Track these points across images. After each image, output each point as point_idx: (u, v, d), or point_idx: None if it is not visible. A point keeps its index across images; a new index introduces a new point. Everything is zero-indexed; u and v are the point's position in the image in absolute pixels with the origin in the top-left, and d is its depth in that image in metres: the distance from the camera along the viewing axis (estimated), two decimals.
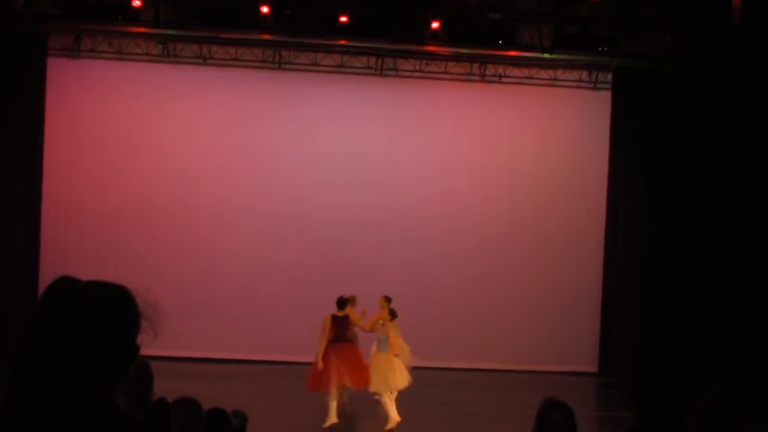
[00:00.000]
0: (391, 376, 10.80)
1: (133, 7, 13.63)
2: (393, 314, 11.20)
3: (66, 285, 1.84)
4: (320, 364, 10.73)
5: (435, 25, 14.03)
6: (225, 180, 15.93)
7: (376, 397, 11.12)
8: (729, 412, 3.29)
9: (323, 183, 15.99)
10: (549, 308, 16.14)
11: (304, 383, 11.12)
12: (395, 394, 10.94)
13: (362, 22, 13.91)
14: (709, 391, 12.18)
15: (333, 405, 10.73)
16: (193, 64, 15.92)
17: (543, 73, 16.27)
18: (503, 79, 16.36)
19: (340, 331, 10.96)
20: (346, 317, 11.03)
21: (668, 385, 3.17)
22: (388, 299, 11.49)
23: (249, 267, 15.76)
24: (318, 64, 16.06)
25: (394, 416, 10.72)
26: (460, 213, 16.21)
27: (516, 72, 16.26)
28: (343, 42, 14.74)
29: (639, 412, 3.19)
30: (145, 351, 1.89)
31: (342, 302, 11.06)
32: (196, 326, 15.00)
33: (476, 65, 16.21)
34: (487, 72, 16.29)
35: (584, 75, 16.46)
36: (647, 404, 3.15)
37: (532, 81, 16.36)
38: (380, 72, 16.17)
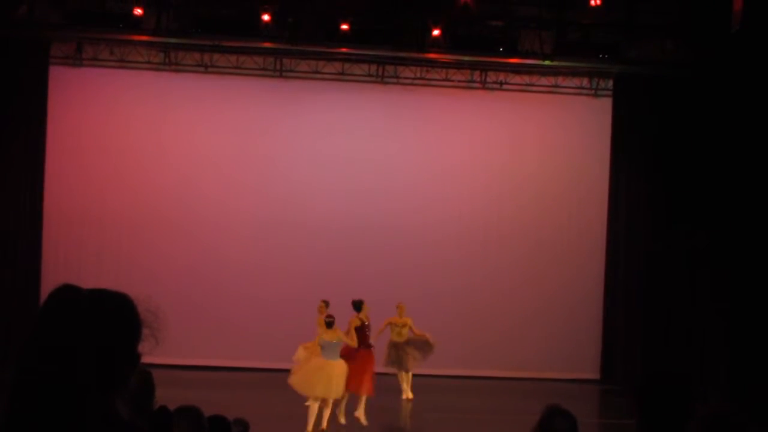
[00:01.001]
0: (329, 383, 10.72)
1: (135, 15, 13.66)
2: (328, 324, 10.96)
3: (67, 293, 1.84)
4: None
5: (436, 32, 14.04)
6: (226, 187, 15.95)
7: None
8: (731, 418, 3.29)
9: (324, 190, 16.00)
10: (551, 315, 16.12)
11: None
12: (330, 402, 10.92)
13: (363, 30, 13.93)
14: (711, 397, 12.16)
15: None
16: (194, 72, 15.95)
17: (544, 80, 16.29)
18: (504, 86, 16.37)
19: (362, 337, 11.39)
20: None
21: (670, 392, 3.17)
22: (325, 303, 11.56)
23: (251, 275, 15.76)
24: (319, 72, 16.09)
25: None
26: (461, 220, 16.21)
27: (517, 79, 16.28)
28: (344, 50, 14.75)
29: (641, 419, 3.19)
30: (146, 359, 1.89)
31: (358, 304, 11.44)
32: (198, 334, 14.99)
33: (477, 72, 16.23)
34: (488, 79, 16.31)
35: (585, 82, 16.48)
36: (649, 411, 3.15)
37: (533, 88, 16.38)
38: (381, 79, 16.19)
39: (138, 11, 13.62)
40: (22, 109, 14.93)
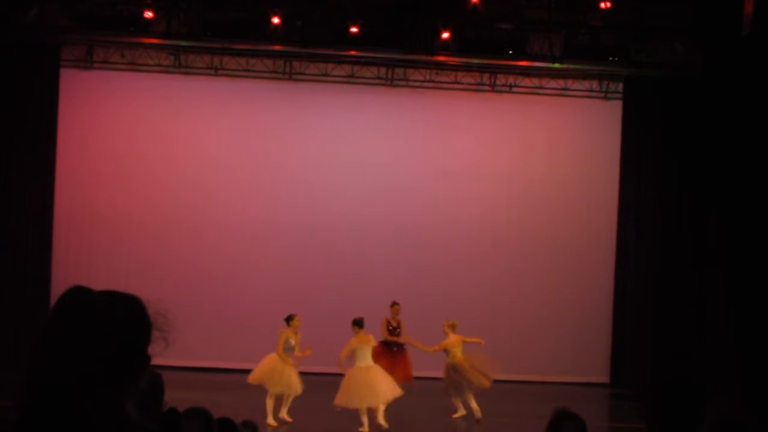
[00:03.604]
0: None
1: (145, 18, 13.71)
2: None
3: (78, 295, 1.84)
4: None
5: (445, 35, 14.04)
6: (236, 190, 15.97)
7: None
8: (741, 421, 3.27)
9: (334, 193, 16.02)
10: (560, 318, 16.08)
11: (320, 393, 11.21)
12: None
13: (373, 33, 13.94)
14: (721, 401, 12.09)
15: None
16: (204, 74, 16.00)
17: (553, 83, 16.27)
18: (513, 89, 16.36)
19: None
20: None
21: (680, 396, 3.16)
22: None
23: (260, 277, 15.78)
24: (329, 75, 16.11)
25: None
26: (470, 222, 16.19)
27: (526, 82, 16.26)
28: (353, 52, 14.78)
29: (651, 423, 3.18)
30: (156, 361, 1.89)
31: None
32: (207, 336, 15.01)
33: (486, 75, 16.22)
34: (498, 82, 16.30)
35: (595, 84, 16.45)
36: (659, 415, 3.14)
37: (543, 91, 16.36)
38: (391, 82, 16.20)
39: (148, 14, 13.67)
40: (33, 111, 15.00)
